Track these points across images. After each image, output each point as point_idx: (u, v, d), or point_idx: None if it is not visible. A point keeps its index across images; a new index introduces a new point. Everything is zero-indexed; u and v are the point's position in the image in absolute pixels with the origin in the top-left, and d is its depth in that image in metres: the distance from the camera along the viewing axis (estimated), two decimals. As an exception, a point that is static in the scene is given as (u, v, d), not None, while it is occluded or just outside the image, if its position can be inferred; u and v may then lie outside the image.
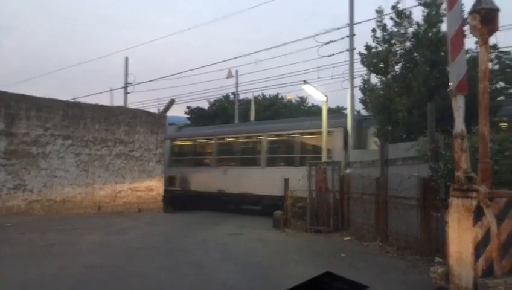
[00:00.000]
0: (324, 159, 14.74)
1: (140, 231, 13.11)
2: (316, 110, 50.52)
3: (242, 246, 10.94)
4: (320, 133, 14.71)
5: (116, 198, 17.71)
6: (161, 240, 11.49)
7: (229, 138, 20.92)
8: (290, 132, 17.97)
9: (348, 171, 13.32)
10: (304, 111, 48.61)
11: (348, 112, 14.30)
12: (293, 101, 46.62)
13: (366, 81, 12.76)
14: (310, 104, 49.53)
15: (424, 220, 8.75)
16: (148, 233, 12.87)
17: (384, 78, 11.61)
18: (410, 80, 10.49)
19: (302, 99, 48.19)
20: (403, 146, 9.95)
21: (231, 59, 26.72)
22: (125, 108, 21.59)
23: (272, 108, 42.27)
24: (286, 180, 14.80)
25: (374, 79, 12.59)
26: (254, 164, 18.77)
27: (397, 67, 11.27)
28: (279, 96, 43.27)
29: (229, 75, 24.47)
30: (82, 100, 20.26)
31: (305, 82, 14.71)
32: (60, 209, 15.91)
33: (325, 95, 14.88)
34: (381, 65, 11.53)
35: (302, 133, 17.48)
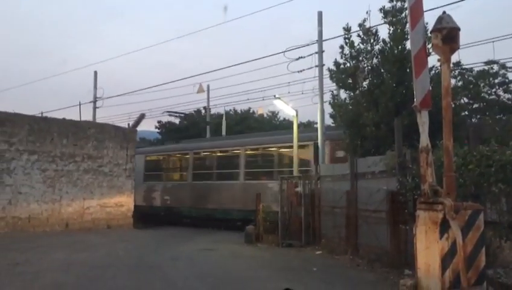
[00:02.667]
0: (295, 172, 14.84)
1: (109, 248, 12.81)
2: (287, 124, 50.98)
3: (214, 262, 10.84)
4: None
5: (84, 214, 17.28)
6: (130, 257, 11.26)
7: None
8: (266, 145, 17.99)
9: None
10: (275, 125, 49.02)
11: (319, 126, 14.48)
12: (265, 115, 46.94)
13: (335, 97, 13.01)
14: (281, 119, 50.00)
15: (393, 233, 8.89)
16: (117, 250, 12.58)
17: (352, 94, 11.85)
18: (377, 95, 10.74)
19: (274, 114, 48.63)
20: (372, 160, 10.13)
21: (202, 74, 26.80)
22: (94, 122, 21.19)
23: (244, 122, 42.41)
24: (258, 195, 14.80)
25: (343, 94, 12.84)
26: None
27: (365, 83, 11.53)
28: (251, 110, 43.48)
29: (200, 90, 24.44)
30: (50, 115, 19.80)
31: (276, 97, 14.88)
32: (25, 227, 15.39)
33: (295, 110, 15.07)
34: (350, 81, 11.78)
35: (279, 147, 17.51)
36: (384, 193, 9.45)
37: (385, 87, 10.52)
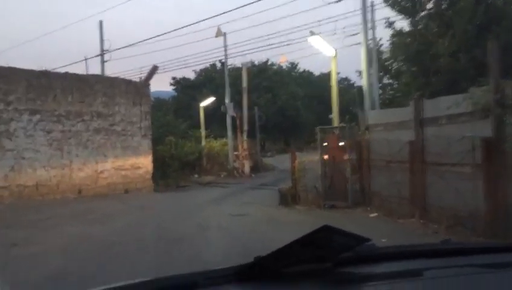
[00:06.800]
0: (336, 122, 12.80)
1: (126, 217, 11.22)
2: (307, 76, 48.37)
3: (249, 232, 9.21)
4: None
5: (98, 179, 15.62)
6: (152, 228, 9.65)
7: None
8: None
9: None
10: (295, 77, 46.49)
11: (363, 68, 12.22)
12: (283, 67, 44.46)
13: (390, 24, 10.53)
14: (301, 70, 47.46)
15: (489, 192, 6.85)
16: (136, 219, 11.05)
17: (411, 20, 9.51)
18: (450, 18, 8.40)
19: (293, 65, 46.06)
20: (450, 100, 7.94)
21: (217, 15, 24.15)
22: (101, 76, 19.10)
23: (262, 74, 40.07)
24: (293, 151, 12.88)
25: (399, 23, 10.43)
26: None
27: (430, 4, 9.15)
28: (269, 62, 41.08)
29: (218, 34, 22.02)
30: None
31: (312, 33, 12.52)
32: (33, 195, 13.80)
33: (335, 49, 12.79)
34: (408, 4, 9.41)
35: None
36: (469, 142, 7.34)
37: (462, 6, 8.14)
